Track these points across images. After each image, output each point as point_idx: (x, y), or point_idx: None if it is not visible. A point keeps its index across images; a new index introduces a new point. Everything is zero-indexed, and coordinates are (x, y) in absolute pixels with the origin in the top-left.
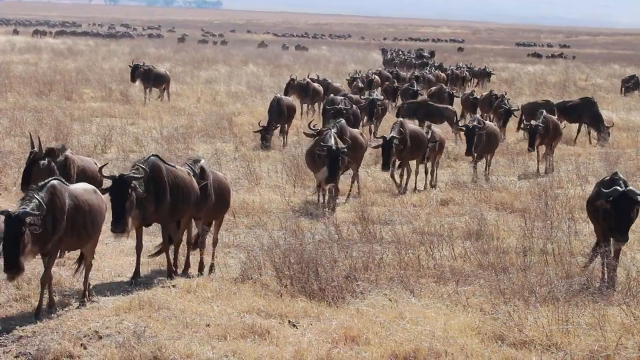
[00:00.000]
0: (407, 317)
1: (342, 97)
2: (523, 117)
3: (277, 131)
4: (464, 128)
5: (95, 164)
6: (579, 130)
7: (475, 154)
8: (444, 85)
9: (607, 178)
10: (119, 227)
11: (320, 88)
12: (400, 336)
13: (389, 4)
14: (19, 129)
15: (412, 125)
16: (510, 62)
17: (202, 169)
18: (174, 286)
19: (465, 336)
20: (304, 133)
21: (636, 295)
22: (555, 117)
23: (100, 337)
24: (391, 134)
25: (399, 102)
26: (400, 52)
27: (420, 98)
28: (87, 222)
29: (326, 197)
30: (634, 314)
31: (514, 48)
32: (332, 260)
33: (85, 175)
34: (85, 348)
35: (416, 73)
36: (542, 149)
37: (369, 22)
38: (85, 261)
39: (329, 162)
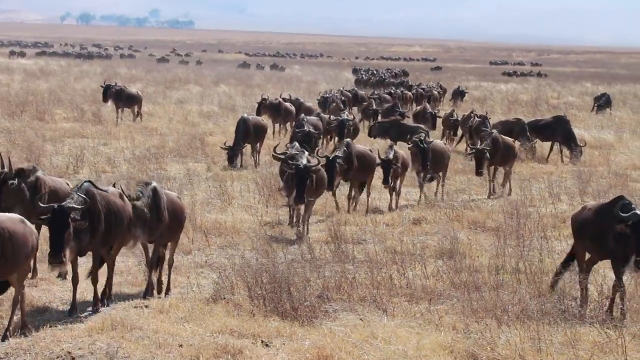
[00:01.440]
0: (379, 337)
1: (316, 117)
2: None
3: (248, 151)
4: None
5: (67, 184)
6: (551, 149)
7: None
8: (427, 105)
9: (615, 201)
10: (57, 259)
11: (292, 107)
12: (372, 355)
13: (361, 23)
14: None
15: (360, 146)
16: (482, 81)
17: (154, 191)
18: (146, 306)
19: (438, 355)
20: (273, 156)
21: (607, 312)
22: (511, 139)
23: (73, 358)
24: (334, 154)
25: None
26: (370, 71)
27: (392, 118)
28: (7, 252)
29: (299, 217)
30: (607, 332)
31: (486, 67)
32: (305, 279)
33: (56, 196)
34: None
35: (374, 93)
36: (498, 170)
37: (340, 41)
38: (14, 293)
39: (297, 182)
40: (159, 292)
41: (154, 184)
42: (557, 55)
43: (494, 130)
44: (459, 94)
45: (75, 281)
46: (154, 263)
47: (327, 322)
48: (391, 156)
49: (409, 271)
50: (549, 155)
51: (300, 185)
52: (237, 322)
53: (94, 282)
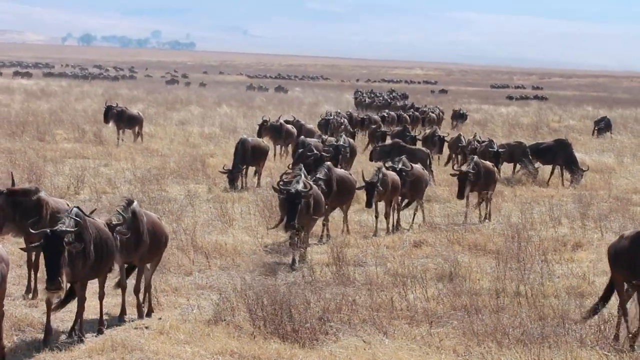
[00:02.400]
0: (380, 359)
1: (317, 139)
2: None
3: (250, 172)
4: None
5: (68, 205)
6: (552, 172)
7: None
8: (437, 129)
9: None
10: (54, 285)
11: (294, 129)
12: None
13: (362, 45)
14: None
15: (340, 170)
16: (484, 104)
17: (133, 212)
18: (147, 328)
19: None
20: (273, 188)
21: (608, 337)
22: (491, 164)
23: None
24: (316, 176)
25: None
26: (371, 94)
27: (393, 140)
28: None
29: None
30: (607, 355)
31: (487, 90)
32: (305, 301)
33: (58, 217)
34: None
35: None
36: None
37: (342, 64)
38: None
39: (287, 207)
40: (141, 316)
41: (135, 204)
42: (558, 78)
43: (475, 156)
44: (459, 117)
45: (48, 305)
46: (139, 286)
47: (327, 345)
48: (376, 179)
49: (409, 294)
50: (549, 178)
51: (291, 210)
52: (237, 344)
53: (79, 313)
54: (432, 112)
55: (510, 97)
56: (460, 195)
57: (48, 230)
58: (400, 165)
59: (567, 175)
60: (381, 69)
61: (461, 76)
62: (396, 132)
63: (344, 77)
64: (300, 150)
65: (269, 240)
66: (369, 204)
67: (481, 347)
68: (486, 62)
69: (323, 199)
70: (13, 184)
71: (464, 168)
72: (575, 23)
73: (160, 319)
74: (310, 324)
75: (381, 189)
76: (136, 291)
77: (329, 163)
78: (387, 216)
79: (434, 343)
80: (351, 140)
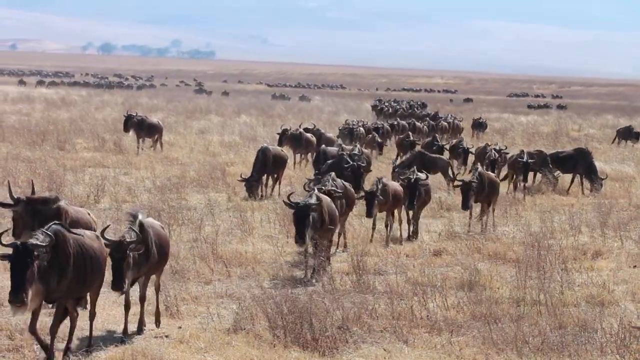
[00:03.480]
0: None
1: (337, 148)
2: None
3: (270, 181)
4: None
5: (89, 214)
6: (572, 181)
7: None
8: (463, 139)
9: None
10: (17, 298)
11: (314, 138)
12: None
13: (382, 54)
14: (11, 179)
15: (339, 180)
16: (503, 113)
17: (141, 225)
18: (167, 336)
19: None
20: (284, 202)
21: (629, 345)
22: (494, 174)
23: None
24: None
25: None
26: (393, 102)
27: (414, 150)
28: None
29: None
30: None
31: (507, 99)
32: (325, 310)
33: (78, 226)
34: None
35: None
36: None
37: (362, 72)
38: None
39: (295, 221)
40: (139, 327)
41: (140, 217)
42: (578, 87)
43: (478, 165)
44: (479, 126)
45: (33, 332)
46: (144, 297)
47: (348, 353)
48: (375, 189)
49: (429, 302)
50: (569, 187)
51: (299, 224)
52: (257, 353)
53: (52, 334)
54: (444, 121)
55: (530, 106)
56: (465, 206)
57: (18, 243)
58: (414, 176)
59: (586, 184)
60: (401, 78)
61: (481, 85)
62: (426, 142)
63: (363, 85)
64: (330, 161)
65: (288, 249)
66: (369, 214)
67: (501, 355)
68: (506, 70)
69: (337, 210)
70: (33, 192)
71: (467, 179)
72: (595, 31)
73: (180, 327)
74: (330, 333)
75: (382, 198)
76: (141, 299)
77: (332, 172)
78: (386, 225)
79: (454, 352)
80: (366, 150)
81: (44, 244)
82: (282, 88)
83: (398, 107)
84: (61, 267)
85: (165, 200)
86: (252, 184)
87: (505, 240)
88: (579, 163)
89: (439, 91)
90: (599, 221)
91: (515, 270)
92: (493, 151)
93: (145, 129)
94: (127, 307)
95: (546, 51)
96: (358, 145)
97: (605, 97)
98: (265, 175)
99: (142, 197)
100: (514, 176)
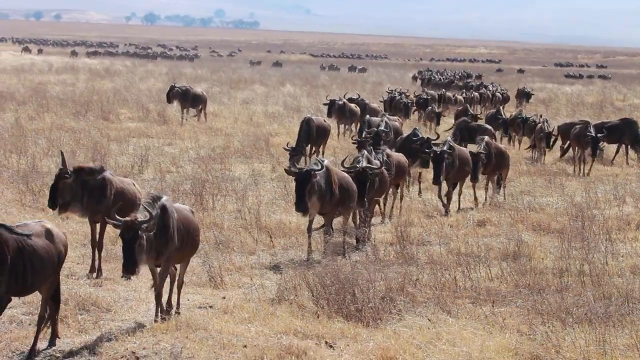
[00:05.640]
0: (444, 338)
1: (380, 119)
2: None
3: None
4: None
5: (134, 184)
6: (617, 151)
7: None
8: (501, 109)
9: None
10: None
11: (357, 109)
12: (437, 357)
13: (424, 24)
14: (56, 150)
15: (395, 154)
16: (547, 82)
17: (163, 209)
18: (211, 307)
19: (502, 357)
20: (284, 170)
21: None
22: (503, 146)
23: (138, 358)
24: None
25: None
26: (436, 73)
27: (459, 120)
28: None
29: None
30: None
31: (552, 69)
32: (369, 281)
33: (123, 197)
34: None
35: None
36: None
37: (405, 42)
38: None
39: (296, 187)
40: (166, 313)
41: (164, 199)
42: (623, 57)
43: (486, 137)
44: (524, 95)
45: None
46: (162, 285)
47: (391, 323)
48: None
49: (473, 273)
50: (614, 157)
51: (299, 190)
52: (301, 323)
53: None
54: (476, 92)
55: (567, 75)
56: (475, 177)
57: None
58: (445, 148)
59: (631, 154)
60: (445, 48)
61: (525, 55)
62: (457, 111)
63: (407, 56)
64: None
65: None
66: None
67: (545, 326)
68: (550, 40)
69: (354, 187)
70: (63, 163)
71: (475, 150)
72: None
73: (224, 298)
74: (373, 304)
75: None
76: (158, 295)
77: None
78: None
79: (498, 322)
80: (396, 123)
81: None
82: (327, 58)
83: (445, 77)
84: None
85: (209, 171)
86: (296, 155)
87: (549, 211)
88: (625, 133)
89: (482, 61)
90: None
91: (559, 241)
92: (545, 123)
93: (189, 100)
94: (158, 297)
95: (591, 21)
96: (385, 119)
97: None
98: (309, 145)
99: (186, 167)
100: (577, 149)
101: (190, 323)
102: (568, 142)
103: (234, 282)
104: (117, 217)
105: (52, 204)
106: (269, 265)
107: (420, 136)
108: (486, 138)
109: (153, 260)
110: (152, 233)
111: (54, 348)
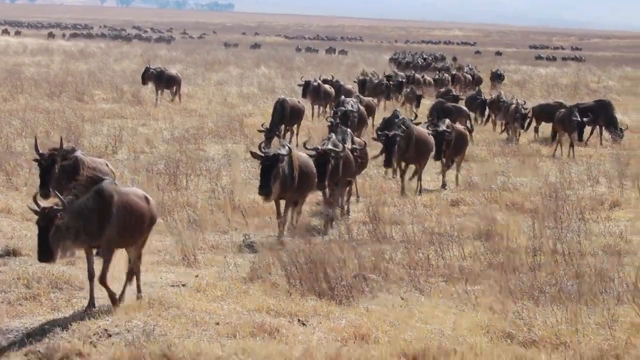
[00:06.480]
0: (416, 316)
1: (355, 99)
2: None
3: (288, 133)
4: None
5: (107, 165)
6: (591, 132)
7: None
8: (480, 91)
9: None
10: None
11: (332, 90)
12: (409, 335)
13: (400, 7)
14: (30, 130)
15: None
16: (522, 65)
17: (98, 191)
18: (183, 285)
19: (475, 335)
20: (251, 153)
21: None
22: (462, 128)
23: (110, 335)
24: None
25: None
26: (408, 55)
27: (437, 100)
28: None
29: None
30: None
31: (526, 51)
32: (342, 259)
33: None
34: (94, 346)
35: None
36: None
37: (380, 25)
38: None
39: (261, 171)
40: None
41: (104, 183)
42: (597, 39)
43: (447, 119)
44: (497, 77)
45: None
46: (106, 274)
47: (364, 301)
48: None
49: (446, 252)
50: (588, 138)
51: (264, 174)
52: (274, 301)
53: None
54: (466, 73)
55: (539, 57)
56: (438, 157)
57: None
58: (443, 127)
59: (606, 135)
60: (420, 30)
61: (499, 37)
62: (442, 92)
63: (381, 38)
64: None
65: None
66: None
67: (517, 304)
68: (525, 23)
69: (315, 172)
70: (36, 147)
71: (439, 129)
72: None
73: (197, 276)
74: (346, 282)
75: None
76: (102, 280)
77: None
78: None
79: (471, 300)
80: (361, 106)
81: None
82: (302, 40)
83: (418, 59)
84: None
85: (183, 151)
86: (270, 135)
87: (523, 191)
88: (599, 115)
89: (457, 43)
90: (617, 172)
91: (532, 220)
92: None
93: (164, 81)
94: (91, 277)
95: (566, 4)
96: (352, 101)
97: (624, 49)
98: (283, 126)
99: (160, 147)
100: (558, 133)
101: (163, 301)
102: (542, 122)
103: (207, 260)
104: (37, 202)
105: (47, 190)
106: (242, 244)
107: (402, 117)
108: (448, 120)
109: (84, 244)
110: (81, 217)
111: (26, 326)
